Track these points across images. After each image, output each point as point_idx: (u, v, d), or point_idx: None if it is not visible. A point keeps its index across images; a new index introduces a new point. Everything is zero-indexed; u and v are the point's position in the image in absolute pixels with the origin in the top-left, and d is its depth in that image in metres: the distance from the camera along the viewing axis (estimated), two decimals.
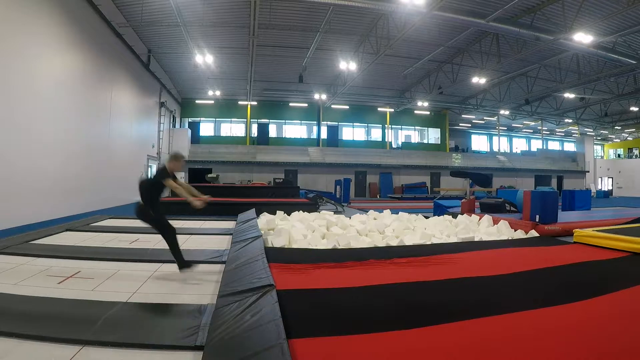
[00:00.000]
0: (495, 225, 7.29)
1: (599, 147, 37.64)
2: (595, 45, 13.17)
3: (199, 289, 3.43)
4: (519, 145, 36.84)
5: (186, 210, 6.16)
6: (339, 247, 5.39)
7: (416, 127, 29.03)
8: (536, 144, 36.23)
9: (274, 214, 8.33)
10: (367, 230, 6.61)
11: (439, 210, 10.50)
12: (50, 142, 8.65)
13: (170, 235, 3.85)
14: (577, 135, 34.10)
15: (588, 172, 30.38)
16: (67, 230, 6.48)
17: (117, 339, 2.30)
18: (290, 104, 25.76)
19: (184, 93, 23.96)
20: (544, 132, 33.28)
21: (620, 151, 35.35)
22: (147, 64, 15.98)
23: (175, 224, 6.08)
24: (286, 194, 14.02)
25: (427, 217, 8.41)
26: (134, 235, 6.05)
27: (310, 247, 5.43)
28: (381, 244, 5.77)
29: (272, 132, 26.59)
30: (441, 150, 28.46)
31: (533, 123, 31.88)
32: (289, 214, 8.41)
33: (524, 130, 35.16)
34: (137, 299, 3.11)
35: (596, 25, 12.09)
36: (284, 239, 5.59)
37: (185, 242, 5.53)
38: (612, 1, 11.14)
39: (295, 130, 27.07)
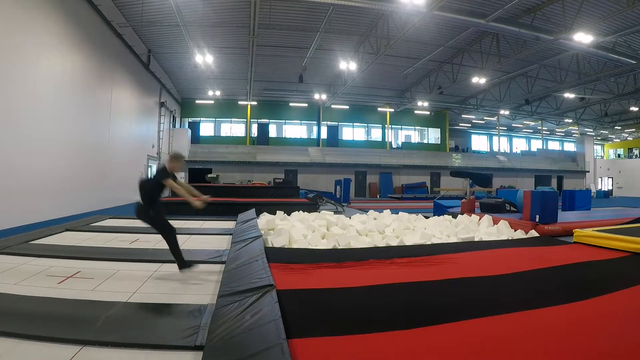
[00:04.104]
0: (495, 225, 7.29)
1: (599, 147, 37.65)
2: (595, 45, 13.18)
3: (199, 289, 3.43)
4: (519, 145, 36.85)
5: (186, 210, 6.19)
6: (339, 247, 5.39)
7: (416, 127, 29.04)
8: (536, 144, 36.24)
9: (274, 214, 8.32)
10: (367, 230, 6.61)
11: (439, 210, 10.49)
12: (50, 142, 8.65)
13: (170, 235, 3.85)
14: (577, 135, 34.11)
15: (588, 172, 30.38)
16: (67, 230, 6.47)
17: (117, 339, 2.30)
18: (290, 104, 25.77)
19: (184, 93, 23.96)
20: (544, 132, 33.28)
21: (620, 151, 35.35)
22: (147, 63, 15.99)
23: (176, 224, 6.07)
24: (286, 194, 14.01)
25: (427, 217, 8.41)
26: (134, 235, 6.05)
27: (310, 247, 5.43)
28: (381, 244, 5.77)
29: (272, 132, 26.59)
30: (441, 150, 28.46)
31: (533, 123, 31.88)
32: (289, 214, 8.41)
33: (524, 130, 35.16)
34: (137, 299, 3.11)
35: (596, 26, 12.09)
36: (284, 239, 5.59)
37: (185, 242, 5.53)
38: (612, 1, 11.14)
39: (295, 130, 27.08)
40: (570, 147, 36.06)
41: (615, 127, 31.83)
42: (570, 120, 29.85)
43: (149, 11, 12.37)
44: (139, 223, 4.04)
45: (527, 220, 7.17)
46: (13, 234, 5.90)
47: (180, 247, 3.92)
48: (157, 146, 18.52)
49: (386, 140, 27.81)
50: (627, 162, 32.33)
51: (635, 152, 33.12)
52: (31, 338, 2.29)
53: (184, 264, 3.85)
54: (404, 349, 2.16)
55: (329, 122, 26.85)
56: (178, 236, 3.92)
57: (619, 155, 35.11)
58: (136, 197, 3.90)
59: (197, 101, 24.83)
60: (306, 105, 25.81)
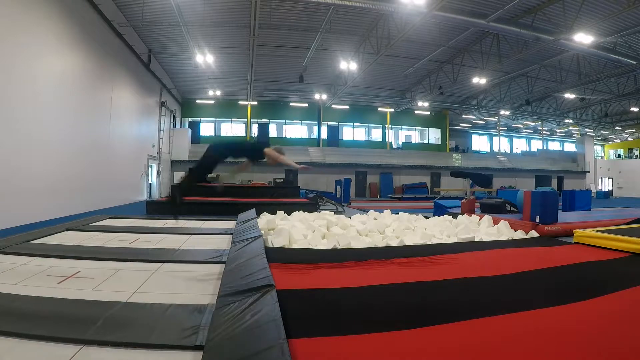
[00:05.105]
0: (496, 225, 7.28)
1: (599, 148, 37.63)
2: (595, 45, 13.18)
3: (199, 289, 3.42)
4: (519, 145, 36.84)
5: (185, 211, 6.21)
6: (339, 247, 5.38)
7: (416, 127, 29.04)
8: (536, 145, 36.25)
9: (274, 213, 8.32)
10: (367, 230, 6.60)
11: (439, 211, 10.49)
12: (50, 142, 8.65)
13: (193, 176, 3.88)
14: (577, 136, 34.09)
15: (588, 172, 30.37)
16: (67, 229, 6.46)
17: (117, 338, 2.29)
18: (291, 104, 25.77)
19: (184, 93, 23.97)
20: (544, 132, 33.29)
21: (621, 152, 35.35)
22: (147, 63, 16.00)
23: (176, 223, 6.04)
24: (286, 194, 14.01)
25: (427, 217, 8.40)
26: (134, 235, 6.04)
27: (311, 247, 5.42)
28: (381, 244, 5.76)
29: (273, 132, 26.60)
30: (441, 151, 28.47)
31: (533, 123, 31.89)
32: (289, 214, 8.40)
33: (524, 130, 35.16)
34: (137, 298, 3.10)
35: (597, 26, 12.09)
36: (284, 239, 5.58)
37: (185, 242, 5.53)
38: (612, 2, 11.14)
39: (295, 130, 27.08)
40: (570, 147, 36.03)
41: (616, 128, 31.83)
42: (571, 121, 29.84)
43: (149, 11, 12.37)
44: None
45: (527, 221, 7.16)
46: (13, 233, 5.89)
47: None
48: (158, 146, 18.53)
49: (386, 140, 27.81)
50: (627, 163, 32.32)
51: (636, 152, 33.12)
52: (31, 337, 2.28)
53: (175, 204, 3.71)
54: (404, 349, 2.16)
55: (329, 122, 26.86)
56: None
57: (619, 156, 35.09)
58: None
59: (197, 101, 24.83)
60: (306, 105, 25.81)
